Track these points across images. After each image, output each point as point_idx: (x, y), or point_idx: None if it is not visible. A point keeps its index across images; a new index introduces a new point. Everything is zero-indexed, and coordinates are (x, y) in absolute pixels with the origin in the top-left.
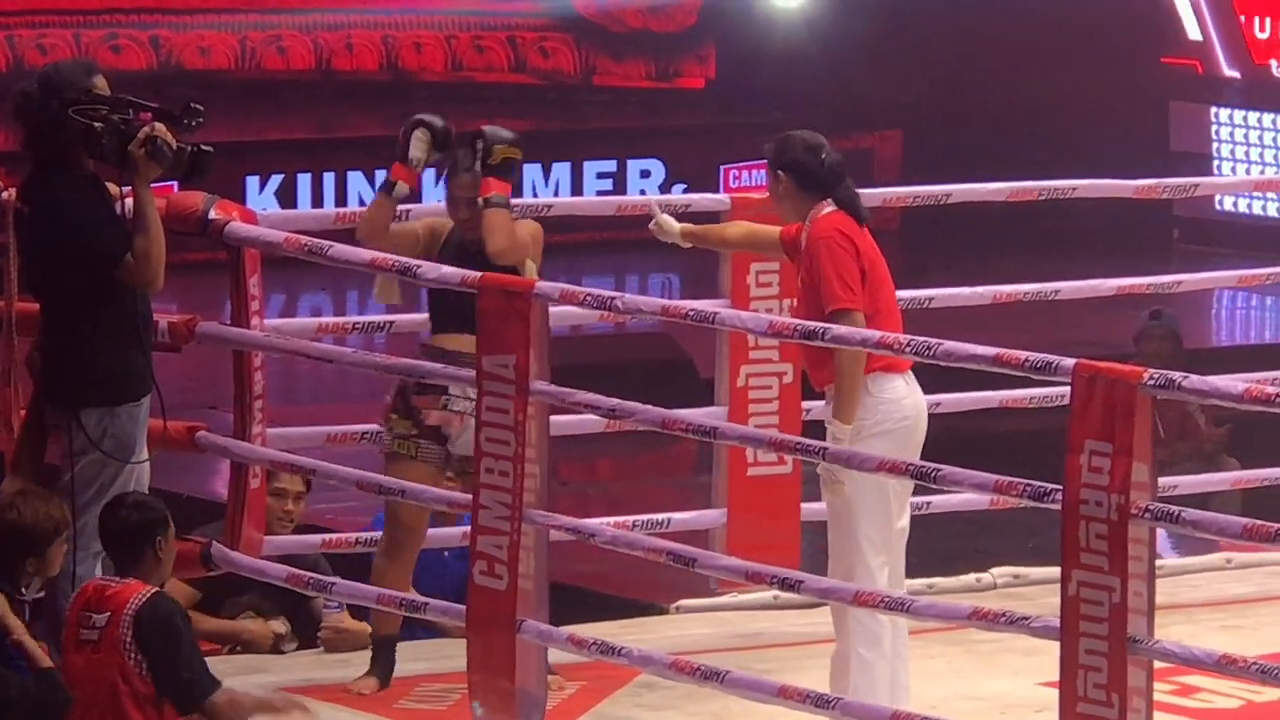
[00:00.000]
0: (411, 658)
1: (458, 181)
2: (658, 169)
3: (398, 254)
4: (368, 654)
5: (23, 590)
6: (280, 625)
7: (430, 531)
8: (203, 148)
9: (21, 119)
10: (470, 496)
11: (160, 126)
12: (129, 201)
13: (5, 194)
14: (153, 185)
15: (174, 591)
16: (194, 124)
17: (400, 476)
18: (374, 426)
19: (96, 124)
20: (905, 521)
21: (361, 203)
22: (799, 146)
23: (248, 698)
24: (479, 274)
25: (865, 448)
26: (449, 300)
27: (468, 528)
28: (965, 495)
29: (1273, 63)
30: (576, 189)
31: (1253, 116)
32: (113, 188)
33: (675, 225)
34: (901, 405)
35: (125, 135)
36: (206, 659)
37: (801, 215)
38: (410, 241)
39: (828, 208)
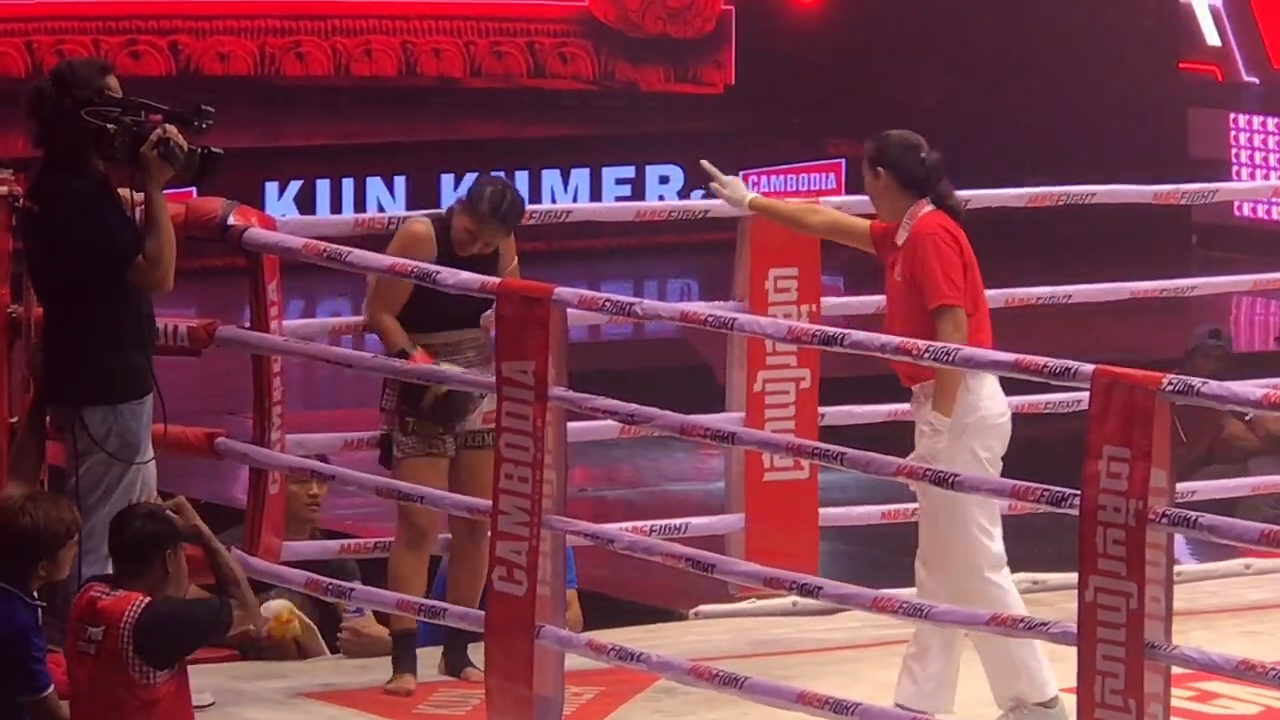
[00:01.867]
0: (430, 663)
1: (486, 227)
2: (676, 175)
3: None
4: (387, 658)
5: (34, 594)
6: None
7: None
8: (213, 150)
9: (35, 116)
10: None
11: (172, 128)
12: (140, 206)
13: (21, 202)
14: (166, 189)
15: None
16: (205, 126)
17: (428, 475)
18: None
19: (109, 125)
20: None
21: (380, 208)
22: (899, 145)
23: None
24: (497, 279)
25: (966, 443)
26: (426, 301)
27: None
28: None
29: None
30: (595, 195)
31: (1271, 122)
32: (124, 193)
33: (743, 190)
34: (998, 401)
35: (137, 137)
36: (229, 663)
37: (898, 213)
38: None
39: (927, 206)
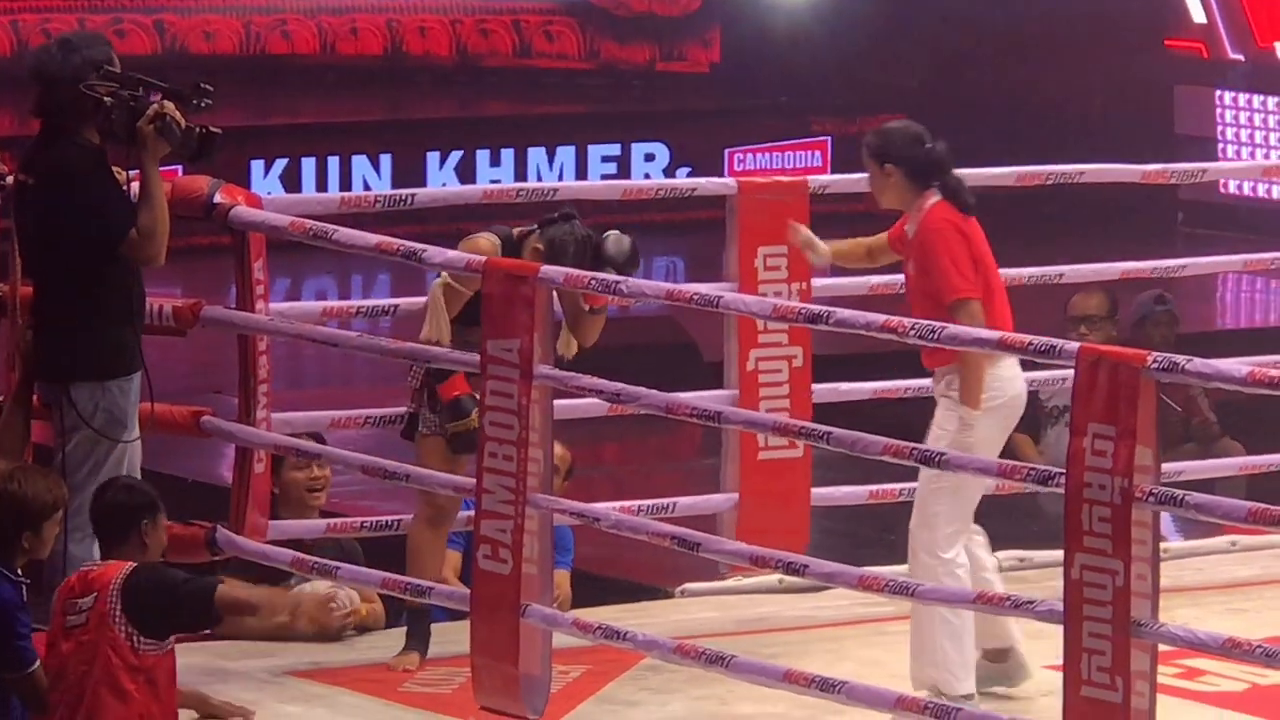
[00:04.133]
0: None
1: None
2: (662, 152)
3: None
4: (372, 636)
5: (18, 571)
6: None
7: None
8: (211, 129)
9: (39, 77)
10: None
11: (170, 105)
12: (135, 184)
13: (9, 179)
14: (163, 167)
15: None
16: (202, 104)
17: (448, 454)
18: (379, 411)
19: (107, 99)
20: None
21: (366, 186)
22: (904, 139)
23: (248, 592)
24: (483, 258)
25: (976, 424)
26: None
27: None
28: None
29: (1277, 46)
30: (581, 173)
31: (1257, 99)
32: (119, 173)
33: (824, 247)
34: (1013, 384)
35: (135, 112)
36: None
37: (906, 205)
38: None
39: (933, 198)
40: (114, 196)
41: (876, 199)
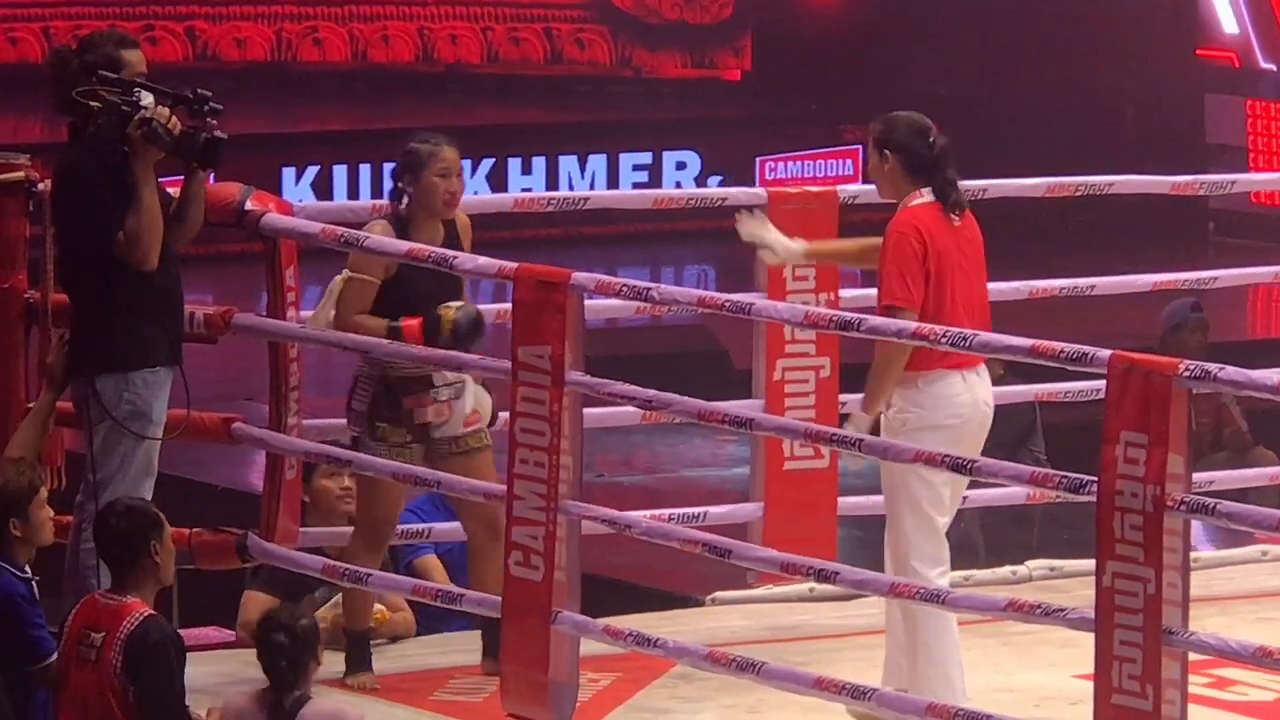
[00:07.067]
0: (446, 650)
1: (447, 153)
2: (694, 161)
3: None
4: (402, 644)
5: (25, 569)
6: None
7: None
8: (216, 134)
9: (52, 75)
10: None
11: (163, 110)
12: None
13: (41, 185)
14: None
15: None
16: (205, 109)
17: (393, 482)
18: None
19: (94, 104)
20: (947, 518)
21: None
22: (907, 128)
23: None
24: (514, 265)
25: (913, 444)
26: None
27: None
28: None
29: None
30: (612, 181)
31: None
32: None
33: (792, 246)
34: (955, 403)
35: (124, 116)
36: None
37: (899, 195)
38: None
39: (919, 198)
40: (111, 199)
41: (877, 187)
